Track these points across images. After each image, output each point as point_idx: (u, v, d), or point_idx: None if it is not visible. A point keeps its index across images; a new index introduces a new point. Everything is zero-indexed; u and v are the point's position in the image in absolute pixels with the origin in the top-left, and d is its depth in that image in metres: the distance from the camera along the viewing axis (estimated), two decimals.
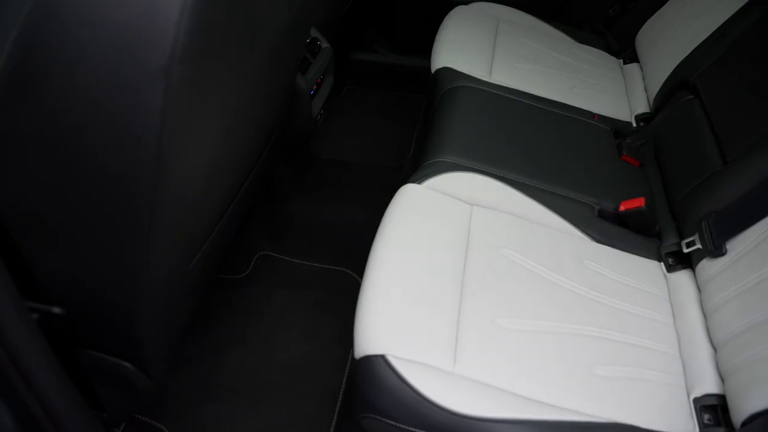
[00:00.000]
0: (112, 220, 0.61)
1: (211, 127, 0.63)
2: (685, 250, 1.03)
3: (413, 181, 1.10)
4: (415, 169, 1.17)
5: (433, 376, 0.80)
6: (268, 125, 0.95)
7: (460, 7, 1.70)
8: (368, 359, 0.81)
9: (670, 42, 1.43)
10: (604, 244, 1.09)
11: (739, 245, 0.93)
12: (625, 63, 1.65)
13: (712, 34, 1.28)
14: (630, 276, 1.03)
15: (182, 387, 1.15)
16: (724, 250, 0.95)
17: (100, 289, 0.71)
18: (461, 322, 0.88)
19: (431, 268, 0.93)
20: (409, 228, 0.98)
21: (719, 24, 1.28)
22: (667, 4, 1.53)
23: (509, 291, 0.94)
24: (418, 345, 0.83)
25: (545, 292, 0.96)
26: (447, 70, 1.43)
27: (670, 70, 1.35)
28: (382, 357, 0.81)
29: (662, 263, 1.07)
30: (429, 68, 1.50)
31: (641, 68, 1.56)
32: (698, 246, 1.00)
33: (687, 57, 1.31)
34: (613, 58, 1.67)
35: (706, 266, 0.97)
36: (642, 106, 1.46)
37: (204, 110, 0.59)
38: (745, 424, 0.77)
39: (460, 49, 1.50)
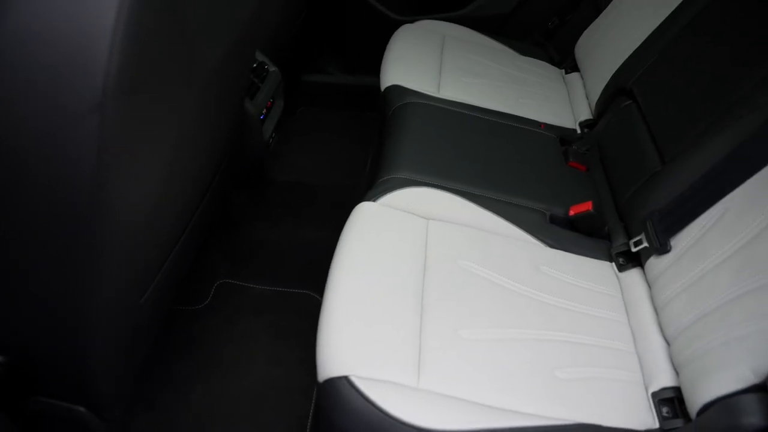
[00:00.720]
0: (52, 261, 0.59)
1: (153, 160, 0.62)
2: (633, 250, 1.06)
3: (368, 199, 1.11)
4: (371, 187, 1.18)
5: (398, 393, 0.80)
6: (216, 152, 0.94)
7: (406, 25, 1.74)
8: (332, 382, 0.81)
9: (606, 51, 1.50)
10: (557, 248, 1.12)
11: (682, 241, 0.97)
12: (566, 72, 1.71)
13: (644, 42, 1.34)
14: (584, 278, 1.06)
15: (142, 427, 1.11)
16: (668, 247, 0.99)
17: (45, 332, 0.68)
18: (423, 336, 0.88)
19: (390, 284, 0.94)
20: (366, 246, 0.99)
21: (650, 32, 1.35)
22: (600, 16, 1.60)
23: (469, 301, 0.95)
24: (381, 363, 0.83)
25: (504, 300, 0.98)
26: (396, 88, 1.46)
27: (608, 78, 1.41)
28: (346, 378, 0.80)
29: (613, 263, 1.11)
30: (379, 86, 1.53)
31: (582, 77, 1.63)
32: (645, 245, 1.04)
33: (622, 65, 1.37)
34: (555, 69, 1.74)
35: (654, 264, 1.01)
36: (585, 113, 1.52)
37: (144, 143, 0.59)
38: (700, 413, 0.80)
39: (408, 66, 1.53)
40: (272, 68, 1.31)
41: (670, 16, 1.30)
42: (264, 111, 1.26)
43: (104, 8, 0.48)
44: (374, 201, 1.11)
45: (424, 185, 1.15)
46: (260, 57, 1.30)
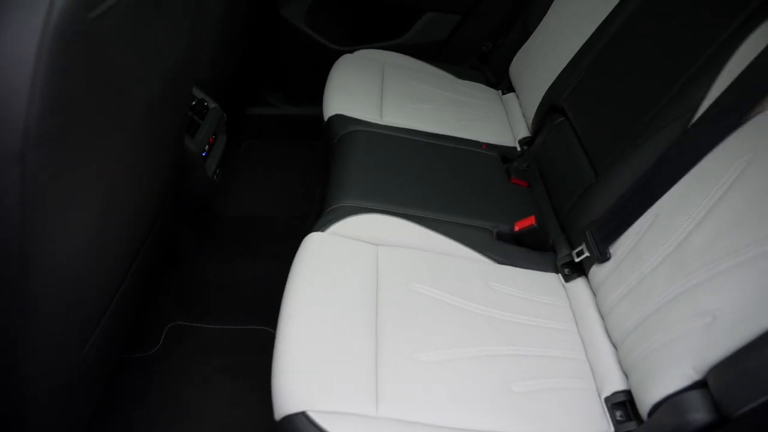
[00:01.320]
0: None
1: (84, 207, 0.61)
2: (576, 260, 1.10)
3: (317, 229, 1.11)
4: (320, 216, 1.18)
5: (358, 425, 0.80)
6: (155, 193, 0.92)
7: (345, 55, 1.77)
8: (289, 419, 0.79)
9: (537, 72, 1.57)
10: (505, 264, 1.14)
11: (620, 249, 1.02)
12: (503, 93, 1.78)
13: (570, 62, 1.42)
14: (533, 291, 1.09)
15: None
16: (608, 255, 1.03)
17: None
18: (380, 363, 0.88)
19: (343, 314, 0.93)
20: (317, 277, 0.98)
21: (575, 52, 1.43)
22: (530, 39, 1.68)
23: (423, 324, 0.96)
24: (338, 395, 0.82)
25: (457, 320, 0.99)
26: (339, 117, 1.47)
27: (541, 97, 1.48)
28: (303, 414, 0.79)
29: (559, 274, 1.14)
30: (323, 116, 1.54)
31: (518, 96, 1.69)
32: (587, 254, 1.08)
33: (552, 84, 1.44)
34: (493, 90, 1.80)
35: (596, 272, 1.05)
36: (523, 131, 1.58)
37: (73, 191, 0.57)
38: (650, 414, 0.83)
39: (350, 95, 1.56)
40: (212, 104, 1.31)
41: (592, 35, 1.38)
42: (206, 147, 1.25)
43: (23, 56, 0.47)
44: (323, 231, 1.11)
45: (372, 211, 1.16)
46: (199, 94, 1.30)
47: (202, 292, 1.48)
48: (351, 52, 1.81)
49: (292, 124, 2.05)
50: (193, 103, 1.25)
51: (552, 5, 1.63)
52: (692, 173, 0.92)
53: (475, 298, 1.04)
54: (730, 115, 0.89)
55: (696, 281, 0.84)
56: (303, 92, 1.99)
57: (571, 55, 1.41)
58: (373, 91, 1.60)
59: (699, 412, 0.76)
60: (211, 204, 1.66)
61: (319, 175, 1.92)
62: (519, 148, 1.53)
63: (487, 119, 1.63)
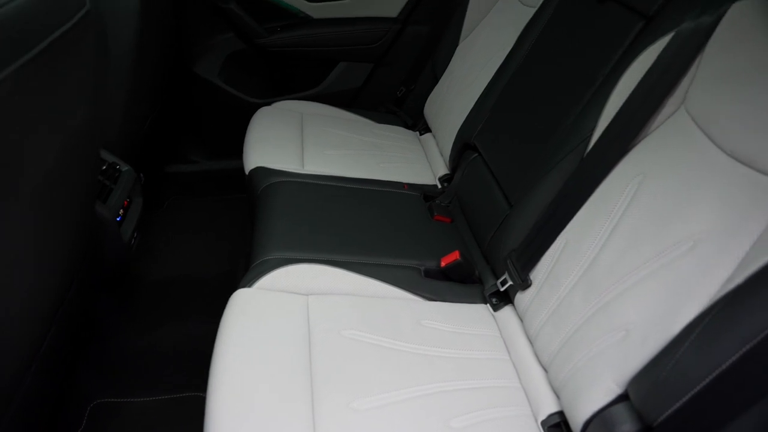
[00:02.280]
0: None
1: None
2: (501, 289, 1.14)
3: (243, 286, 1.09)
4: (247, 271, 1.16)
5: None
6: (63, 265, 0.87)
7: (263, 108, 1.79)
8: None
9: (448, 112, 1.65)
10: (435, 300, 1.17)
11: (539, 274, 1.07)
12: (421, 134, 1.85)
13: (477, 101, 1.51)
14: (463, 324, 1.11)
15: None
16: (529, 282, 1.08)
17: None
18: (317, 416, 0.86)
19: (275, 371, 0.91)
20: (245, 335, 0.96)
21: (481, 92, 1.52)
22: (439, 83, 1.77)
23: (358, 371, 0.95)
24: None
25: (392, 362, 0.99)
26: (261, 169, 1.47)
27: (455, 136, 1.55)
28: None
29: (488, 305, 1.18)
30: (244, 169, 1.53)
31: (434, 136, 1.77)
32: (510, 282, 1.12)
33: (463, 123, 1.52)
34: (410, 131, 1.87)
35: (521, 298, 1.09)
36: (442, 169, 1.64)
37: None
38: (583, 431, 0.86)
39: (270, 147, 1.56)
40: (125, 167, 1.27)
41: (492, 78, 1.48)
42: (120, 212, 1.20)
43: None
44: (250, 286, 1.09)
45: (300, 261, 1.16)
46: (110, 157, 1.26)
47: (127, 363, 1.39)
48: (268, 104, 1.82)
49: (215, 179, 2.02)
50: (104, 167, 1.21)
51: (455, 52, 1.74)
52: (593, 198, 1.00)
53: (408, 337, 1.04)
54: (619, 143, 0.98)
55: (608, 298, 0.89)
56: (223, 147, 1.98)
57: (477, 97, 1.50)
58: (293, 141, 1.61)
59: (626, 425, 0.80)
60: (131, 269, 1.59)
61: (244, 230, 1.90)
62: (440, 186, 1.59)
63: (407, 160, 1.68)
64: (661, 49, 0.98)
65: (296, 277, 1.12)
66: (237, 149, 1.65)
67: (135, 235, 1.27)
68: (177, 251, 1.78)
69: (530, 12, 1.44)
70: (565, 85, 1.21)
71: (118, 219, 1.19)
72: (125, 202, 1.23)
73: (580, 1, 1.29)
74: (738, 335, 0.69)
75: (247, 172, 1.51)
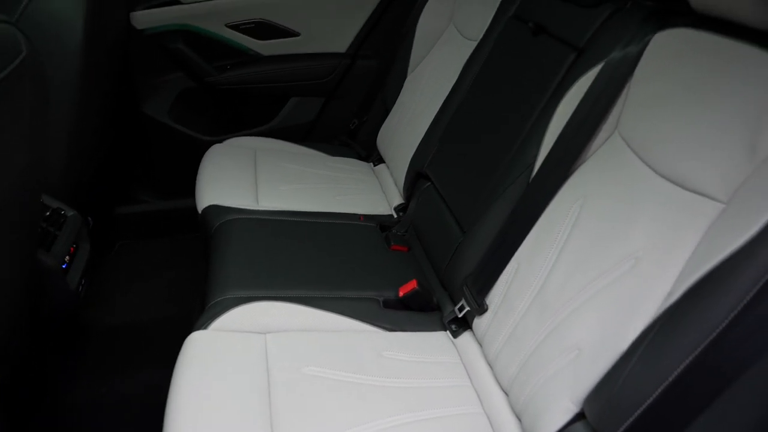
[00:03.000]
0: None
1: None
2: (459, 315, 1.16)
3: (198, 328, 1.06)
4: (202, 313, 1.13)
5: None
6: (3, 318, 0.83)
7: (215, 145, 1.78)
8: None
9: (400, 142, 1.68)
10: (396, 330, 1.17)
11: (494, 298, 1.09)
12: (375, 165, 1.87)
13: (427, 131, 1.54)
14: (424, 353, 1.12)
15: None
16: (485, 306, 1.09)
17: None
18: None
19: (234, 415, 0.89)
20: (201, 381, 0.93)
21: (430, 122, 1.56)
22: (390, 114, 1.81)
23: (320, 408, 0.94)
24: None
25: (355, 397, 0.98)
26: (214, 208, 1.46)
27: (407, 165, 1.58)
28: None
29: (447, 332, 1.19)
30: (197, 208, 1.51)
31: (388, 167, 1.79)
32: (467, 308, 1.14)
33: (415, 153, 1.55)
34: (364, 163, 1.89)
35: (479, 324, 1.11)
36: (397, 199, 1.66)
37: None
38: None
39: (223, 184, 1.55)
40: (70, 212, 1.24)
41: (440, 109, 1.52)
42: (66, 259, 1.16)
43: None
44: (205, 328, 1.06)
45: (256, 299, 1.14)
46: (54, 203, 1.22)
47: (79, 417, 1.32)
48: (221, 141, 1.82)
49: (167, 219, 1.98)
50: (47, 213, 1.17)
51: (404, 84, 1.78)
52: (540, 222, 1.03)
53: (369, 370, 1.04)
54: (560, 169, 1.02)
55: (560, 319, 0.92)
56: (175, 186, 1.95)
57: (427, 127, 1.54)
58: (246, 178, 1.60)
59: None
60: (80, 318, 1.52)
61: (199, 270, 1.85)
62: (395, 215, 1.60)
63: (362, 191, 1.69)
64: (593, 78, 1.04)
65: (253, 316, 1.10)
66: (189, 188, 1.62)
67: (83, 282, 1.23)
68: (129, 296, 1.72)
69: (472, 45, 1.50)
70: (507, 115, 1.26)
71: (63, 266, 1.15)
72: (71, 249, 1.19)
73: (516, 34, 1.35)
74: (681, 348, 0.72)
75: (200, 211, 1.48)
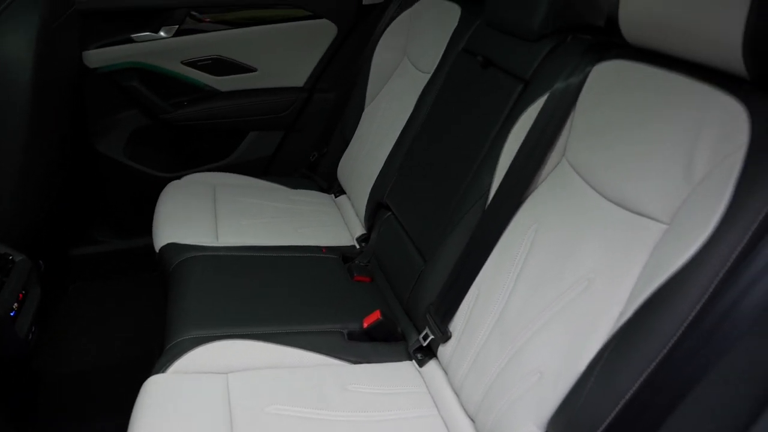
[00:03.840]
0: None
1: None
2: (424, 344, 1.16)
3: (156, 372, 1.03)
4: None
5: None
6: None
7: (173, 182, 1.75)
8: None
9: (360, 174, 1.70)
10: (361, 363, 1.16)
11: (457, 326, 1.10)
12: (336, 196, 1.88)
13: (385, 162, 1.57)
14: (390, 384, 1.11)
15: None
16: (449, 334, 1.10)
17: None
18: None
19: None
20: (159, 427, 0.90)
21: (388, 153, 1.58)
22: (349, 146, 1.83)
23: None
24: None
25: None
26: (172, 246, 1.43)
27: (368, 196, 1.60)
28: None
29: (413, 361, 1.19)
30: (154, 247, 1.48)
31: (349, 198, 1.80)
32: (432, 336, 1.14)
33: (374, 183, 1.57)
34: (325, 194, 1.90)
35: (443, 351, 1.11)
36: (359, 229, 1.67)
37: None
38: None
39: (181, 221, 1.53)
40: (18, 257, 1.19)
41: (397, 140, 1.55)
42: (15, 306, 1.11)
43: None
44: (164, 372, 1.03)
45: (217, 339, 1.12)
46: (1, 248, 1.17)
47: None
48: (179, 177, 1.79)
49: (124, 259, 1.93)
50: None
51: (362, 116, 1.81)
52: (497, 249, 1.06)
53: (335, 405, 1.03)
54: (513, 195, 1.05)
55: (520, 343, 0.93)
56: (132, 224, 1.90)
57: (385, 158, 1.56)
58: (205, 214, 1.58)
59: None
60: (31, 366, 1.45)
61: (158, 311, 1.80)
62: (358, 246, 1.61)
63: (324, 223, 1.69)
64: (539, 108, 1.08)
65: (214, 356, 1.08)
66: (147, 226, 1.59)
67: (33, 329, 1.17)
68: (84, 341, 1.65)
69: (426, 77, 1.55)
70: (461, 145, 1.29)
71: (12, 314, 1.10)
72: (20, 295, 1.14)
73: (467, 67, 1.40)
74: (634, 366, 0.74)
75: (157, 250, 1.45)
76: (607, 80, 1.00)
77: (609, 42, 1.06)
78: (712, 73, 0.82)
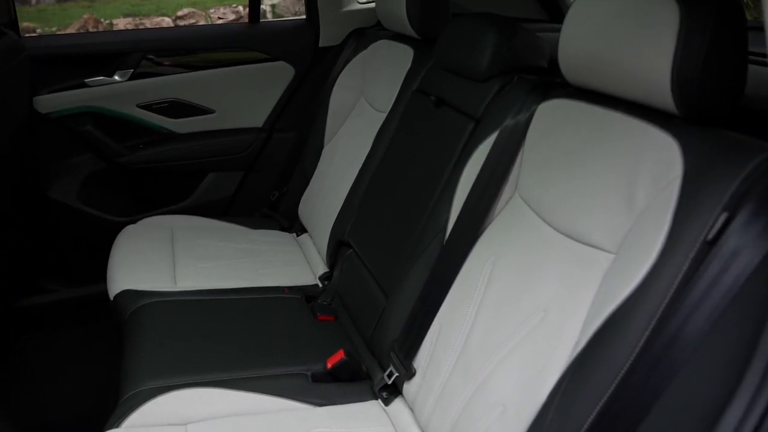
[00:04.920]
0: None
1: None
2: (389, 382, 1.15)
3: (110, 427, 0.99)
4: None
5: None
6: None
7: (128, 226, 1.72)
8: None
9: (321, 212, 1.70)
10: (326, 405, 1.14)
11: (421, 362, 1.10)
12: (298, 235, 1.87)
13: (345, 200, 1.58)
14: (356, 426, 1.09)
15: None
16: (413, 370, 1.10)
17: None
18: None
19: None
20: None
21: (348, 191, 1.60)
22: (309, 184, 1.83)
23: None
24: None
25: None
26: (127, 293, 1.39)
27: (329, 234, 1.60)
28: None
29: (379, 400, 1.18)
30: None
31: (311, 236, 1.80)
32: (396, 374, 1.14)
33: (335, 221, 1.57)
34: (287, 234, 1.89)
35: (408, 388, 1.11)
36: (321, 268, 1.66)
37: None
38: None
39: (137, 267, 1.49)
40: None
41: (356, 178, 1.57)
42: None
43: None
44: (118, 426, 0.99)
45: (175, 388, 1.08)
46: None
47: None
48: (134, 222, 1.76)
49: (77, 308, 1.85)
50: None
51: (322, 154, 1.83)
52: (457, 283, 1.07)
53: None
54: (470, 230, 1.08)
55: (483, 376, 0.94)
56: (85, 271, 1.84)
57: (345, 196, 1.58)
58: (162, 259, 1.55)
59: None
60: None
61: (113, 362, 1.73)
62: (320, 285, 1.60)
63: (286, 263, 1.68)
64: (490, 145, 1.12)
65: (172, 407, 1.04)
66: (101, 273, 1.54)
67: None
68: (34, 395, 1.57)
69: (382, 117, 1.59)
70: (418, 182, 1.32)
71: None
72: None
73: (421, 106, 1.45)
74: (591, 395, 0.76)
75: (111, 297, 1.41)
76: (551, 118, 1.05)
77: (552, 82, 1.12)
78: (647, 110, 0.88)
